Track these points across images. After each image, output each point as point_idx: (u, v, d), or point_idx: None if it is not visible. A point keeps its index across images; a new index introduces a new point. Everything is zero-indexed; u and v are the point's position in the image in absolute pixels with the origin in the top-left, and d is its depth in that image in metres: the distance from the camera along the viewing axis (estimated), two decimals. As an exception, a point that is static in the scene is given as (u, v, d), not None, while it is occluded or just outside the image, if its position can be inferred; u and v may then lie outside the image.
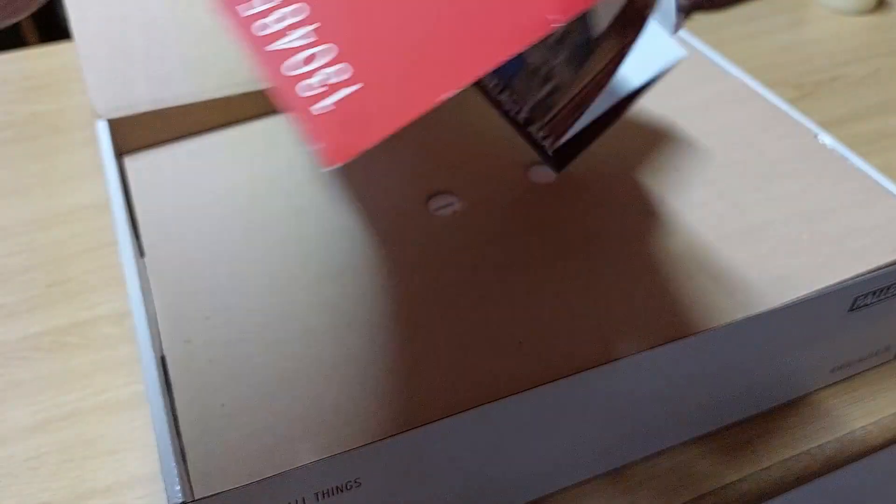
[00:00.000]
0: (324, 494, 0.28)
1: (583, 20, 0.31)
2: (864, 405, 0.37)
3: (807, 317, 0.33)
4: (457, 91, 0.21)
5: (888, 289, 0.34)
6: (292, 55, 0.22)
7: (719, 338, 0.31)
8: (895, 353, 0.39)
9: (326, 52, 0.22)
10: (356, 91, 0.21)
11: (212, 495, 0.26)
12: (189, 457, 0.27)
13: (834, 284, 0.32)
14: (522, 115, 0.35)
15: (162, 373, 0.29)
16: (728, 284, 0.32)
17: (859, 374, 0.38)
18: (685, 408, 0.34)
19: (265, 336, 0.31)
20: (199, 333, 0.31)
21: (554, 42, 0.32)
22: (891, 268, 0.33)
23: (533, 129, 0.35)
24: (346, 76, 0.21)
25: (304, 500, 0.28)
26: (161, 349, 0.30)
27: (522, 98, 0.35)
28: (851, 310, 0.34)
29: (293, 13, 0.23)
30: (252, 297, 0.32)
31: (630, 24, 0.30)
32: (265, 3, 0.23)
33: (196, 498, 0.26)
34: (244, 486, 0.26)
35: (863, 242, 0.34)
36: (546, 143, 0.35)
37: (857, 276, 0.33)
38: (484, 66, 0.21)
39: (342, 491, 0.29)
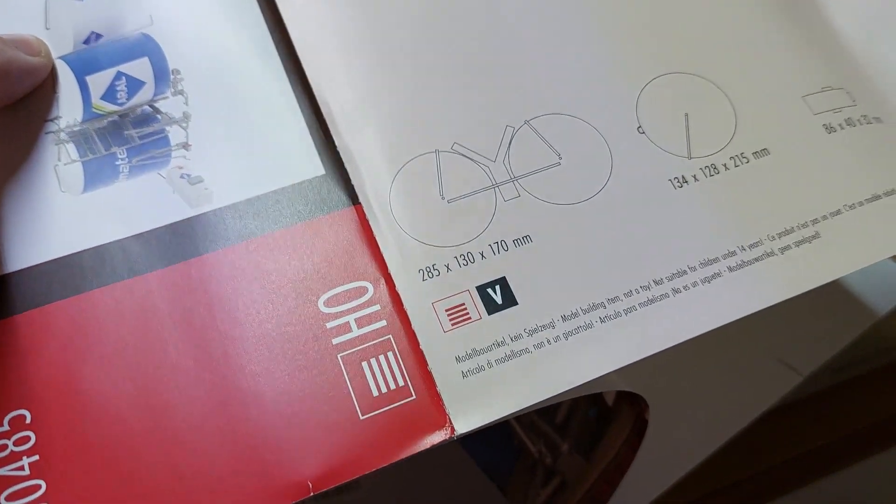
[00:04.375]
0: (324, 495, 0.28)
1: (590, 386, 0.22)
2: (864, 405, 0.37)
3: (806, 316, 0.33)
4: None
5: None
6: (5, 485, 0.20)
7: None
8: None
9: (33, 488, 0.20)
10: None
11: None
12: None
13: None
14: None
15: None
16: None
17: (859, 374, 0.38)
18: (685, 408, 0.34)
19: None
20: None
21: (556, 425, 0.24)
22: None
23: None
24: None
25: (303, 500, 0.28)
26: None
27: (523, 501, 0.26)
28: None
29: (19, 441, 0.20)
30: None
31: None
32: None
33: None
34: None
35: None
36: None
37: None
38: None
39: (342, 491, 0.28)
